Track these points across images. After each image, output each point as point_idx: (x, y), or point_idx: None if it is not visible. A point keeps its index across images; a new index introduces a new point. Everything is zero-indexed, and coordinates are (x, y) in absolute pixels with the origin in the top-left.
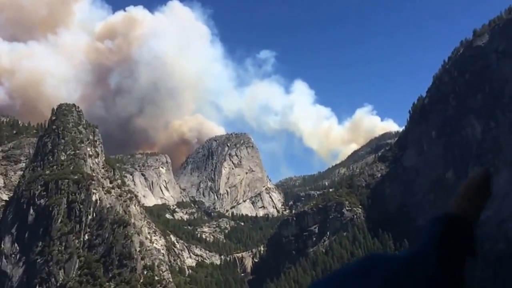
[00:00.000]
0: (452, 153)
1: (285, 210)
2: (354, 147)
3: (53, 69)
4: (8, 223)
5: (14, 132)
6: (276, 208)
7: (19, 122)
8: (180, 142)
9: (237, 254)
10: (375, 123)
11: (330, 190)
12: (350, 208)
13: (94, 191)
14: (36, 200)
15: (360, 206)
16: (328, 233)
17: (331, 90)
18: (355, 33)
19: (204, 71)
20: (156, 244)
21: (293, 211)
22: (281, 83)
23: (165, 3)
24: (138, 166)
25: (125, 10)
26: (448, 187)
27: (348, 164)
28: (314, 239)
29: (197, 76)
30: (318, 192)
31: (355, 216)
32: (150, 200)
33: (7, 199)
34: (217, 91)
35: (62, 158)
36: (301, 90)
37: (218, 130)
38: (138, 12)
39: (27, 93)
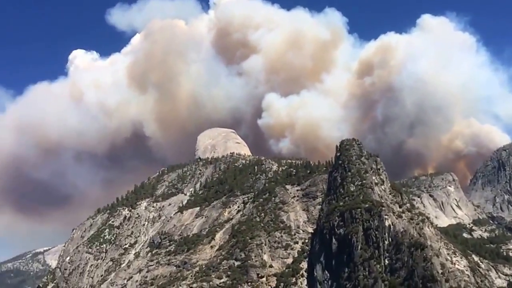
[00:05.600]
0: None
1: None
2: None
3: (324, 113)
4: (316, 252)
5: (308, 172)
6: None
7: (311, 163)
8: (456, 157)
9: None
10: None
11: None
12: None
13: (386, 216)
14: (336, 230)
15: None
16: None
17: None
18: None
19: (470, 81)
20: (458, 265)
21: None
22: None
23: (415, 20)
24: (424, 187)
25: (375, 40)
26: None
27: None
28: None
29: (463, 87)
30: None
31: None
32: (443, 221)
33: (312, 231)
34: (488, 98)
35: (352, 189)
36: None
37: (500, 138)
38: (390, 39)
39: (307, 138)
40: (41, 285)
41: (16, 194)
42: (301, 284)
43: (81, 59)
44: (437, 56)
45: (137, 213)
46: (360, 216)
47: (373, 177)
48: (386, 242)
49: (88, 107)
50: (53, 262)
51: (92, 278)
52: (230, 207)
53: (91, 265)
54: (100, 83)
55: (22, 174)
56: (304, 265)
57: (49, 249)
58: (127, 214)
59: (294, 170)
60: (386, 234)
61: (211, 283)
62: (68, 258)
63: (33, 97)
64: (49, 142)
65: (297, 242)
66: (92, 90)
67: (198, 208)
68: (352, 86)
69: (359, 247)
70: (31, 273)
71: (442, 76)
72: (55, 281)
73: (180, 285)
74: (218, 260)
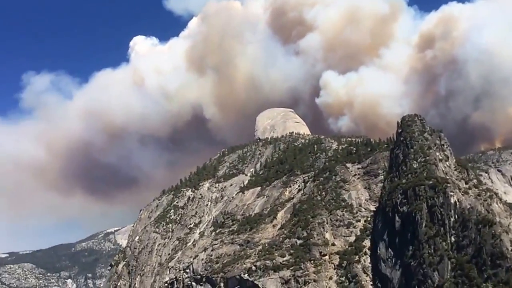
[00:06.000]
0: None
1: None
2: None
3: (384, 89)
4: (379, 230)
5: (369, 149)
6: None
7: (371, 140)
8: None
9: None
10: None
11: None
12: None
13: (451, 193)
14: (399, 207)
15: None
16: None
17: None
18: None
19: None
20: None
21: None
22: None
23: None
24: (492, 162)
25: (436, 11)
26: None
27: None
28: None
29: None
30: None
31: None
32: None
33: (374, 209)
34: None
35: (414, 166)
36: None
37: None
38: (452, 9)
39: (366, 116)
40: (113, 263)
41: (87, 177)
42: (364, 262)
43: (141, 45)
44: (503, 25)
45: (200, 194)
46: (424, 193)
47: (437, 153)
48: (452, 219)
49: (149, 92)
50: (123, 242)
51: (160, 256)
52: (290, 186)
53: (159, 244)
54: (160, 68)
55: (91, 158)
56: (367, 243)
57: (119, 229)
58: (191, 195)
59: (354, 148)
60: (452, 211)
61: (274, 261)
62: (137, 237)
63: (98, 84)
64: (115, 127)
65: (359, 220)
66: (153, 75)
67: (259, 188)
68: (413, 60)
69: (424, 224)
70: (104, 252)
71: (509, 46)
72: (126, 260)
73: (244, 263)
74: (281, 238)
